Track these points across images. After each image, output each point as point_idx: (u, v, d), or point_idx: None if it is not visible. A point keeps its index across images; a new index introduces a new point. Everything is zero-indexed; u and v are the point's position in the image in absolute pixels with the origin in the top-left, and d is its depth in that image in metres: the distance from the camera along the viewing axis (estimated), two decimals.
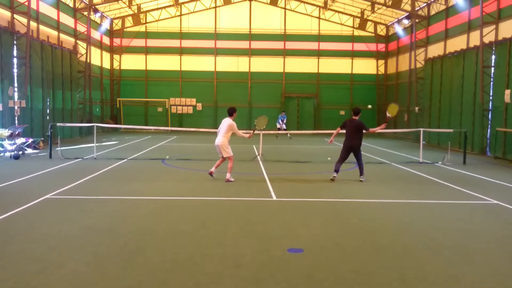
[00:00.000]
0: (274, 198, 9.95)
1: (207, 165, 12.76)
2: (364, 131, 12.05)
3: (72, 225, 7.34)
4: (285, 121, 29.12)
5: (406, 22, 30.22)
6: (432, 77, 26.05)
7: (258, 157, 17.27)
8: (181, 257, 5.88)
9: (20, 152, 16.52)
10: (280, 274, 5.38)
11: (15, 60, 19.95)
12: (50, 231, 7.00)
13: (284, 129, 28.45)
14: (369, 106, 27.80)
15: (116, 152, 18.70)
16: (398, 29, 32.22)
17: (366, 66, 36.10)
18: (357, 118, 12.21)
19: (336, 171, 12.02)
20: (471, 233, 7.35)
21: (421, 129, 18.09)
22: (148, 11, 34.65)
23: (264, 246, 6.42)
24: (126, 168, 14.14)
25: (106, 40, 34.14)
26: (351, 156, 12.34)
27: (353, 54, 35.80)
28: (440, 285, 5.16)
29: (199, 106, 35.30)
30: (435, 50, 26.82)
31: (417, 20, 28.24)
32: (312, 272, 5.45)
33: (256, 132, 13.29)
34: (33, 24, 21.75)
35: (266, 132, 20.23)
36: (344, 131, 12.33)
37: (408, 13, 28.78)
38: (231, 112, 12.17)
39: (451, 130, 19.16)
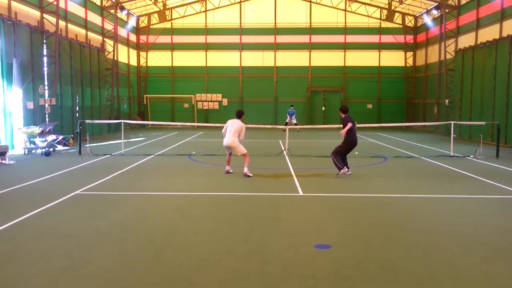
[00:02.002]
0: (301, 193, 9.84)
1: (233, 160, 12.74)
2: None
3: (100, 221, 7.42)
4: (294, 116, 29.25)
5: (435, 12, 29.49)
6: (463, 68, 25.34)
7: (284, 152, 17.16)
8: (207, 253, 5.85)
9: (51, 149, 16.88)
10: (307, 270, 5.30)
11: (45, 59, 20.35)
12: (78, 227, 7.09)
13: (295, 124, 28.55)
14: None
15: (143, 148, 18.90)
16: (427, 20, 31.46)
17: (394, 59, 35.41)
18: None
19: (348, 166, 11.75)
20: (504, 229, 7.09)
21: (452, 122, 17.62)
22: (174, 7, 34.84)
23: (291, 242, 6.33)
24: (153, 164, 14.26)
25: (132, 38, 34.52)
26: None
27: (380, 47, 35.17)
28: (473, 283, 4.98)
29: (225, 102, 35.36)
30: (466, 40, 26.07)
31: (447, 10, 27.49)
32: (339, 269, 5.34)
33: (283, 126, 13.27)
34: (61, 23, 22.14)
35: (280, 126, 20.13)
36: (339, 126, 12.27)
37: (437, 3, 28.06)
38: (240, 115, 12.18)
39: (483, 123, 18.61)
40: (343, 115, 11.97)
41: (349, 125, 11.55)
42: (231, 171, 12.31)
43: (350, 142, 11.65)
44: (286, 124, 28.34)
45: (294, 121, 29.25)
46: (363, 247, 6.18)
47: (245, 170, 11.79)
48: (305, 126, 22.46)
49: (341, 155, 11.72)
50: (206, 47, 35.43)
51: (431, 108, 30.71)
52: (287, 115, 29.72)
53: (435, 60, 30.24)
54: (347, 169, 11.59)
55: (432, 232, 6.92)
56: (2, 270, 5.23)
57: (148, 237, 6.54)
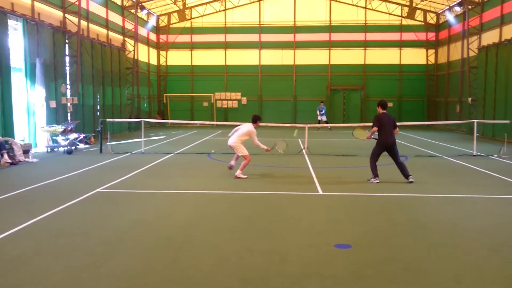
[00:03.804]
0: (320, 192, 9.77)
1: (252, 159, 12.70)
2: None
3: (121, 219, 7.49)
4: (323, 112, 29.08)
5: (458, 9, 28.96)
6: (486, 66, 24.83)
7: (304, 150, 17.08)
8: (227, 252, 5.84)
9: (73, 147, 17.13)
10: (326, 270, 5.25)
11: (67, 59, 20.66)
12: (100, 224, 7.17)
13: (325, 121, 28.43)
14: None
15: (163, 146, 19.03)
16: (450, 17, 30.93)
17: (415, 56, 34.92)
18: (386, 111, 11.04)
19: (377, 174, 10.88)
20: None
21: (475, 121, 17.28)
22: (193, 6, 34.99)
23: (310, 242, 6.29)
24: (173, 162, 14.34)
25: (152, 37, 34.80)
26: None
27: (401, 44, 34.73)
28: (497, 285, 4.86)
29: (244, 100, 35.38)
30: (489, 37, 25.53)
31: (470, 7, 26.97)
32: (359, 269, 5.27)
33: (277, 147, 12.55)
34: (83, 23, 22.44)
35: (310, 125, 20.04)
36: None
37: (460, 0, 27.54)
38: (255, 120, 11.82)
39: (507, 121, 18.19)
40: (380, 111, 10.93)
41: (375, 129, 10.75)
42: (234, 167, 11.95)
43: (381, 143, 10.78)
44: (319, 122, 28.23)
45: (324, 118, 29.11)
46: (383, 247, 6.09)
47: (238, 172, 11.39)
48: (328, 125, 22.30)
49: (376, 158, 10.89)
50: (226, 45, 35.49)
51: (453, 106, 30.18)
52: (317, 112, 29.56)
53: (458, 58, 29.71)
54: (377, 180, 10.82)
55: (454, 232, 6.79)
56: (25, 266, 5.31)
57: (168, 235, 6.57)
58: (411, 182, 10.71)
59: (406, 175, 10.85)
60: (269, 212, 8.03)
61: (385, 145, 10.78)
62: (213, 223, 7.34)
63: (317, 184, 10.66)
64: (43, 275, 5.07)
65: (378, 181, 10.83)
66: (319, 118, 29.24)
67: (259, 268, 5.31)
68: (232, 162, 12.10)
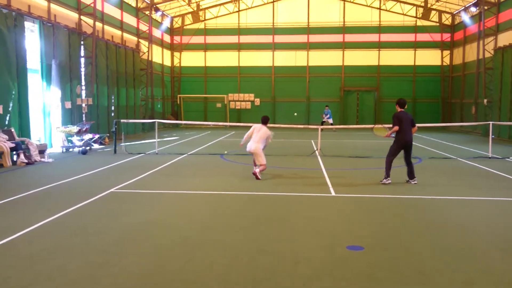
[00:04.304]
0: (333, 194, 9.76)
1: (268, 162, 12.72)
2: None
3: (134, 218, 7.56)
4: (329, 116, 29.24)
5: (473, 9, 28.65)
6: (503, 67, 24.52)
7: (316, 152, 17.06)
8: (239, 252, 5.87)
9: (88, 148, 17.33)
10: (338, 272, 5.25)
11: (82, 60, 20.91)
12: (114, 223, 7.25)
13: (331, 124, 28.55)
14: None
15: (177, 147, 19.15)
16: (465, 18, 30.63)
17: (430, 57, 34.64)
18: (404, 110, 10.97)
19: (389, 174, 10.81)
20: None
21: (491, 123, 17.09)
22: (207, 8, 35.15)
23: (323, 243, 6.29)
24: (186, 163, 14.43)
25: (166, 38, 35.03)
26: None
27: (415, 45, 34.48)
28: None
29: (257, 101, 35.43)
30: (505, 38, 25.22)
31: (486, 7, 26.68)
32: (372, 271, 5.26)
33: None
34: (98, 25, 22.69)
35: (316, 126, 19.97)
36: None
37: (476, 0, 27.26)
38: (266, 121, 11.87)
39: None
40: (398, 109, 10.90)
41: (396, 127, 10.64)
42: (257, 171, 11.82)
43: (400, 142, 10.68)
44: (322, 123, 28.27)
45: (331, 120, 29.32)
46: (396, 249, 6.07)
47: (256, 169, 11.43)
48: (339, 126, 22.19)
49: (393, 157, 10.80)
50: (239, 47, 35.58)
51: (469, 108, 29.87)
52: (323, 116, 29.71)
53: (473, 59, 29.39)
54: (388, 180, 10.77)
55: (468, 235, 6.73)
56: (42, 264, 5.41)
57: (181, 235, 6.63)
58: (413, 183, 10.74)
59: (412, 176, 10.84)
60: (282, 213, 8.04)
61: (404, 143, 10.71)
62: (226, 223, 7.37)
63: (329, 185, 10.64)
64: (59, 272, 5.16)
65: (389, 181, 10.78)
66: (324, 119, 29.35)
67: (271, 268, 5.33)
68: (257, 171, 11.63)
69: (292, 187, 10.49)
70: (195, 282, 4.95)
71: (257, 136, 11.57)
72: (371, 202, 9.06)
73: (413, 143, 10.94)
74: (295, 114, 34.48)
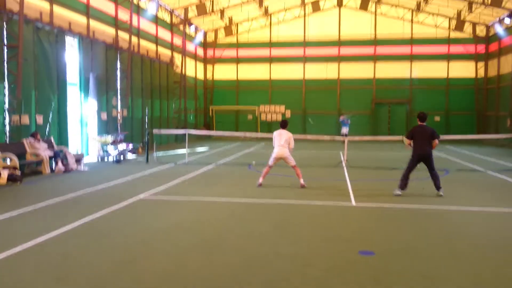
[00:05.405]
0: (354, 203, 9.95)
1: (290, 170, 12.99)
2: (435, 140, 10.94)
3: (160, 222, 8.01)
4: (347, 126, 29.23)
5: (508, 21, 28.21)
6: None
7: (343, 163, 17.19)
8: (255, 255, 6.20)
9: (121, 157, 18.06)
10: (349, 275, 5.48)
11: (118, 73, 21.84)
12: (141, 226, 7.72)
13: (345, 134, 28.45)
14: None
15: (206, 157, 19.67)
16: (499, 29, 30.16)
17: (464, 69, 34.17)
18: (425, 124, 11.11)
19: (402, 187, 10.81)
20: None
21: None
22: (239, 22, 35.91)
23: (336, 248, 6.53)
24: (213, 173, 14.88)
25: (200, 52, 35.94)
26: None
27: (449, 57, 34.11)
28: None
29: (288, 113, 35.74)
30: None
31: None
32: (381, 276, 5.47)
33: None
34: (134, 40, 23.64)
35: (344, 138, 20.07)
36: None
37: (510, 11, 26.86)
38: (284, 125, 12.27)
39: None
40: (418, 123, 11.15)
41: (408, 141, 10.97)
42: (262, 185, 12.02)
43: (414, 155, 10.89)
44: (342, 134, 28.41)
45: (345, 129, 29.38)
46: (407, 255, 6.25)
47: (301, 181, 11.89)
48: (365, 138, 22.28)
49: (409, 169, 10.87)
50: (270, 60, 36.11)
51: (504, 120, 29.25)
52: (343, 126, 29.86)
53: (509, 71, 28.87)
54: (399, 192, 10.79)
55: (483, 245, 6.80)
56: (74, 260, 5.91)
57: (202, 237, 7.01)
58: (440, 195, 10.64)
59: (437, 186, 10.82)
60: (300, 220, 8.32)
61: (417, 156, 10.85)
62: (245, 228, 7.72)
63: (351, 195, 10.82)
64: (88, 267, 5.63)
65: (399, 193, 10.74)
66: (343, 131, 29.36)
67: (283, 270, 5.63)
68: (302, 181, 11.86)
69: (314, 196, 10.73)
70: (212, 280, 5.30)
71: (281, 140, 11.90)
72: (391, 211, 9.21)
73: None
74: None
